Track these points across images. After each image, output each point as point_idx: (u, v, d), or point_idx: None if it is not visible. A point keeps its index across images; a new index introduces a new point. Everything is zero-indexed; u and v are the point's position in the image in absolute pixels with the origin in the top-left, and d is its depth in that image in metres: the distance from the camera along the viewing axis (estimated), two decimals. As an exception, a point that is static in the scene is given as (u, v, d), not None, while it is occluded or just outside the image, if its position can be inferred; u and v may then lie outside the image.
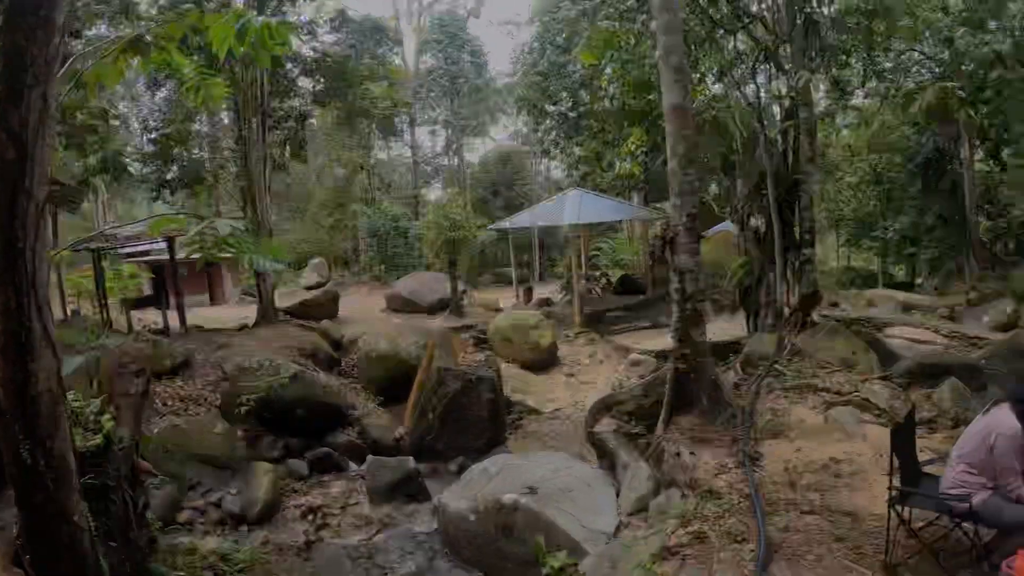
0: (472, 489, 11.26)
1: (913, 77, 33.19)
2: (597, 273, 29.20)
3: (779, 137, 16.21)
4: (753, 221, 16.38)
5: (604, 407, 12.48)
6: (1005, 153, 32.89)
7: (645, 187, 30.71)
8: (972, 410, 10.82)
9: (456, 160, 58.57)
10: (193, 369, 17.18)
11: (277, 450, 15.24)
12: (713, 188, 25.33)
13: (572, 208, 24.57)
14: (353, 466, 15.36)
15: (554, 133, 37.92)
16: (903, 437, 7.25)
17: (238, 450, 14.25)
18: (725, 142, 17.32)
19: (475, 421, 15.94)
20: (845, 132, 39.05)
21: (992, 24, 29.20)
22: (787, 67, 15.91)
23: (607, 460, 11.83)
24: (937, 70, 32.02)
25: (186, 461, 13.03)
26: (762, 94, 17.50)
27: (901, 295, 29.74)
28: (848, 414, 10.97)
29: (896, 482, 7.02)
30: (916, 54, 32.14)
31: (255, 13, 13.01)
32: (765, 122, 16.61)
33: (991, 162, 32.82)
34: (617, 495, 10.62)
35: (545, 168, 53.80)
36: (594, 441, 12.26)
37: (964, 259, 31.23)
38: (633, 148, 22.64)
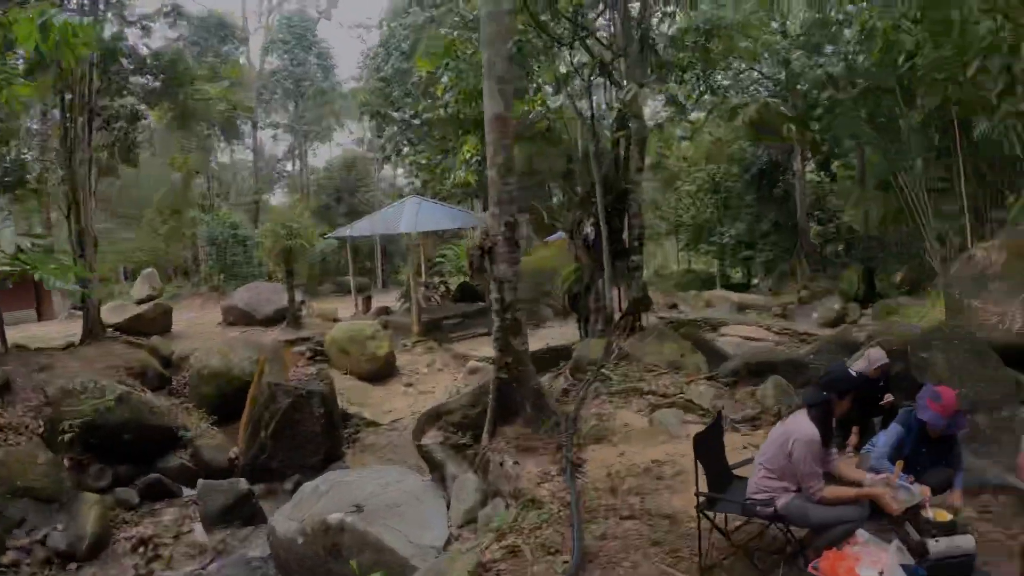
0: (302, 509, 10.67)
1: (751, 94, 34.73)
2: (436, 281, 28.74)
3: (610, 147, 16.28)
4: (584, 228, 16.38)
5: (432, 418, 12.13)
6: (834, 165, 35.34)
7: (484, 195, 30.43)
8: (795, 406, 10.96)
9: (299, 166, 56.21)
10: (14, 394, 15.72)
11: (105, 479, 14.15)
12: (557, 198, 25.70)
13: (409, 216, 24.03)
14: (186, 491, 14.44)
15: (396, 140, 36.84)
16: (708, 443, 7.12)
17: (64, 481, 13.04)
18: (560, 152, 17.38)
19: (309, 437, 15.28)
20: (684, 144, 40.57)
21: (828, 48, 30.92)
22: (622, 81, 15.97)
23: (438, 472, 11.48)
24: (774, 88, 33.95)
25: (8, 496, 11.95)
26: (597, 106, 17.60)
27: (737, 296, 30.74)
28: (672, 416, 10.91)
29: (706, 487, 6.85)
30: (755, 73, 33.36)
31: (59, 10, 12.10)
32: (597, 133, 16.63)
33: (822, 173, 34.96)
34: (448, 507, 10.30)
35: (392, 175, 51.99)
36: (423, 453, 11.90)
37: (797, 261, 32.54)
38: (468, 156, 22.38)
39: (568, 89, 17.57)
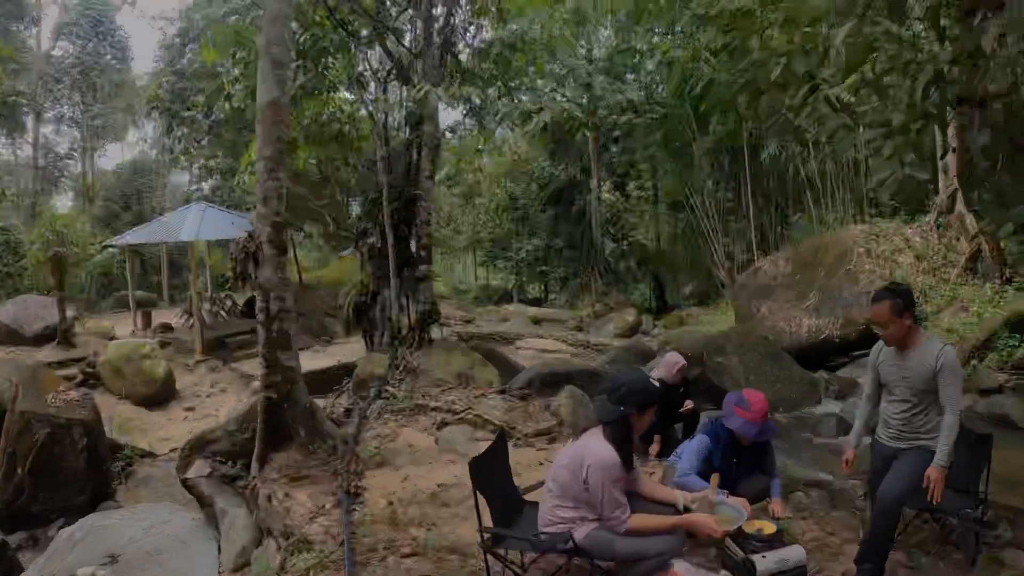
0: (55, 562, 8.71)
1: (553, 117, 34.61)
2: (223, 295, 26.35)
3: (402, 152, 15.07)
4: (370, 237, 14.99)
5: (197, 446, 10.37)
6: (629, 186, 36.32)
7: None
8: (590, 421, 10.16)
9: (85, 165, 47.85)
10: None
11: None
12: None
13: (192, 223, 21.68)
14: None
15: (183, 140, 33.70)
16: (491, 466, 5.91)
17: None
18: (355, 158, 16.04)
19: (72, 473, 12.85)
20: (485, 160, 40.11)
21: (629, 76, 32.43)
22: (416, 82, 14.77)
23: (208, 509, 9.80)
24: (577, 113, 33.81)
25: None
26: (391, 108, 16.31)
27: (533, 310, 30.24)
28: (461, 433, 9.59)
29: (491, 519, 5.62)
30: (558, 95, 33.40)
31: None
32: (388, 136, 15.36)
33: (617, 193, 35.74)
34: (220, 549, 8.73)
35: (190, 180, 45.64)
36: (189, 488, 10.18)
37: (591, 276, 32.44)
38: (253, 159, 19.99)
39: (364, 91, 16.20)
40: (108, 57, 44.93)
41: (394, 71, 15.48)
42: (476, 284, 41.89)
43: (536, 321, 28.20)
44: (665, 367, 9.33)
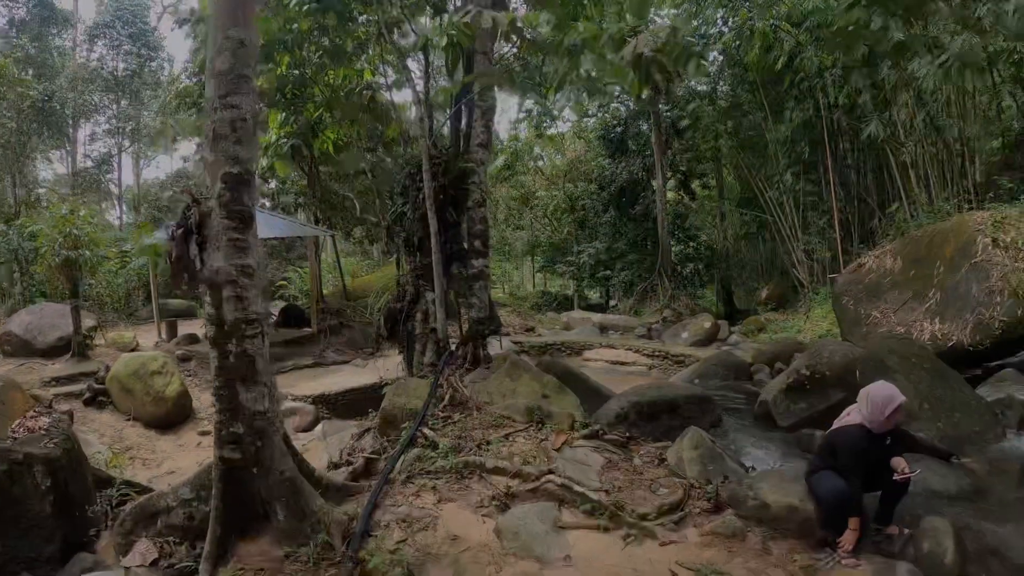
0: None
1: (612, 113, 32.15)
2: None
3: (447, 113, 11.13)
4: (409, 224, 10.90)
5: (139, 519, 6.64)
6: (694, 184, 32.48)
7: (314, 202, 24.00)
8: (730, 474, 6.73)
9: (123, 173, 42.60)
10: None
11: None
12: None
13: None
14: None
15: None
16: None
17: None
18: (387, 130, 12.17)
19: (36, 519, 9.37)
20: (541, 163, 36.48)
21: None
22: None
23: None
24: (632, 106, 30.85)
25: None
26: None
27: (597, 316, 26.22)
28: (537, 517, 5.75)
29: None
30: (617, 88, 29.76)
31: None
32: (431, 99, 11.42)
33: (681, 192, 31.87)
34: None
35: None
36: (128, 581, 6.36)
37: (658, 280, 28.31)
38: (274, 137, 15.87)
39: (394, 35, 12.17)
40: (145, 60, 40.25)
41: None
42: (534, 290, 37.77)
43: (602, 329, 24.21)
44: (873, 406, 5.37)
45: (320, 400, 14.57)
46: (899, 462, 5.66)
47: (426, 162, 9.62)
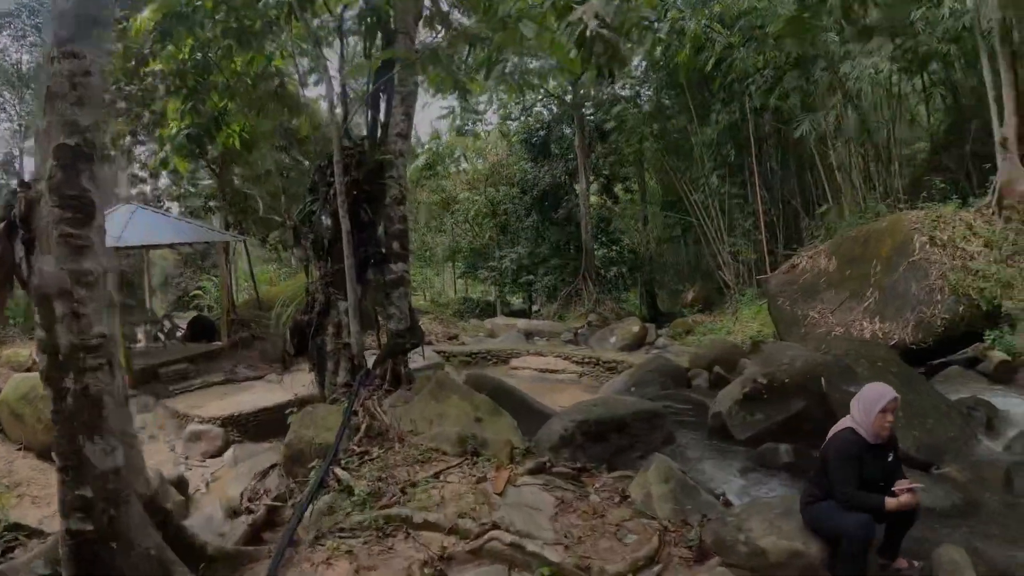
0: None
1: (536, 116, 31.28)
2: (160, 315, 20.27)
3: (365, 103, 9.62)
4: (321, 223, 9.34)
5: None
6: (617, 188, 31.60)
7: (224, 205, 21.38)
8: (708, 510, 5.55)
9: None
10: None
11: None
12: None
13: (114, 228, 15.98)
14: None
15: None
16: None
17: None
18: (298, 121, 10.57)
19: None
20: (465, 167, 35.09)
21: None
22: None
23: None
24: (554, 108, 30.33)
25: None
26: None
27: (522, 322, 24.96)
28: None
29: None
30: (541, 92, 28.67)
31: None
32: (344, 86, 9.90)
33: (604, 196, 30.93)
34: None
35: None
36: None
37: (582, 285, 27.24)
38: (173, 129, 13.01)
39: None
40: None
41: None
42: (456, 297, 36.30)
43: (527, 335, 22.95)
44: (862, 405, 4.32)
45: (231, 421, 12.87)
46: (902, 483, 4.56)
47: (337, 152, 8.05)
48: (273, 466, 7.12)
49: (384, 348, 8.06)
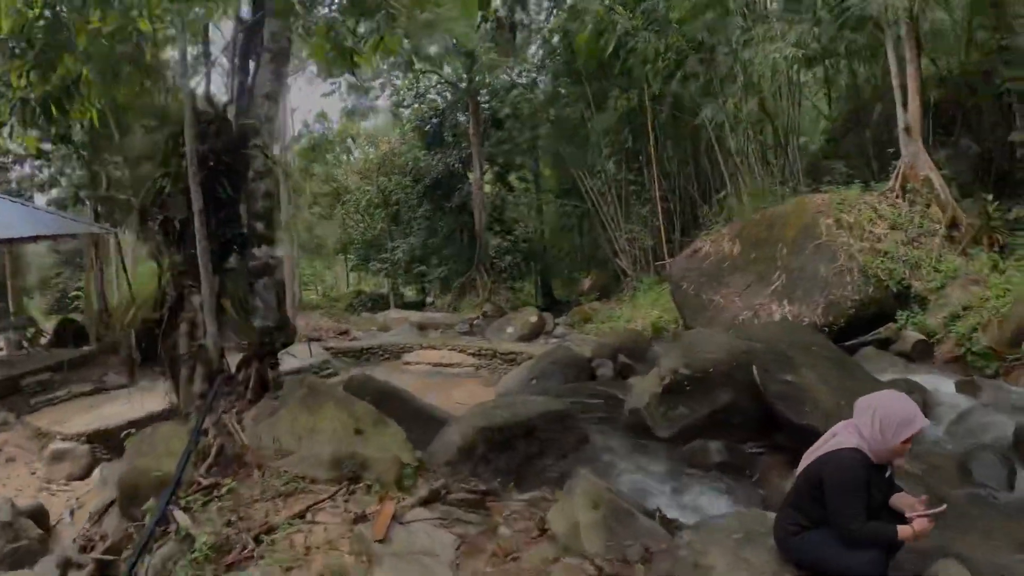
0: None
1: (429, 104, 29.83)
2: (22, 318, 17.64)
3: (227, 56, 7.91)
4: (171, 203, 7.40)
5: None
6: (511, 177, 30.81)
7: (90, 193, 18.38)
8: (650, 539, 4.33)
9: None
10: None
11: None
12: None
13: None
14: None
15: None
16: None
17: None
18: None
19: None
20: (356, 155, 33.24)
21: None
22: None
23: None
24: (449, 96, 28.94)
25: None
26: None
27: (416, 315, 23.54)
28: None
29: None
30: (435, 78, 27.07)
31: None
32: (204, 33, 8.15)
33: (499, 184, 29.94)
34: None
35: None
36: None
37: (476, 275, 25.91)
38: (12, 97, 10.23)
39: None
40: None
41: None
42: (348, 290, 34.44)
43: (421, 327, 21.52)
44: (883, 427, 3.12)
45: (98, 437, 10.95)
46: (905, 499, 3.56)
47: (188, 114, 6.39)
48: (111, 504, 5.50)
49: (247, 350, 6.51)
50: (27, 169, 22.92)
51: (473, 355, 16.08)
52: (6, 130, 9.88)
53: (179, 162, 6.77)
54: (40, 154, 18.06)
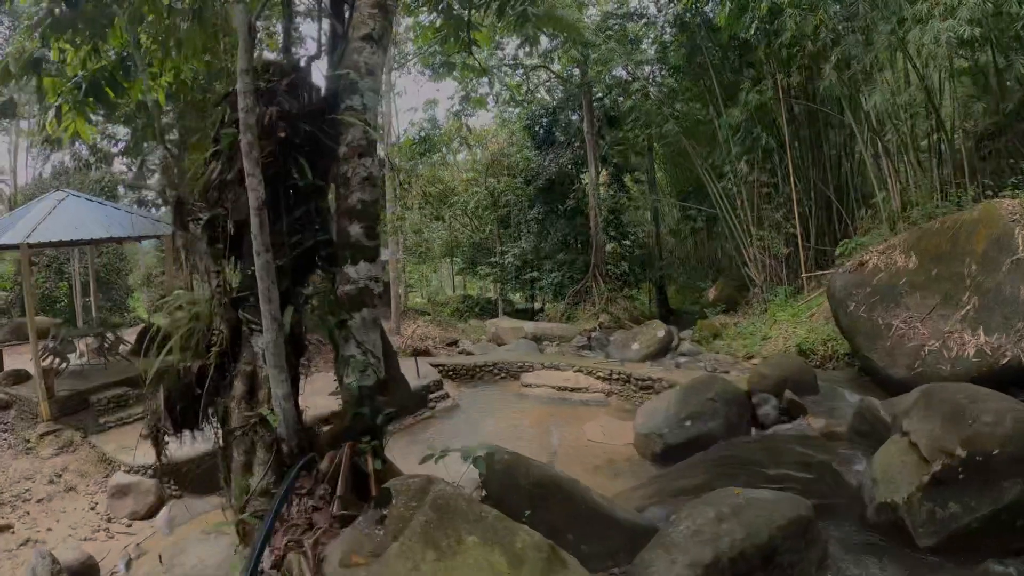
0: None
1: (539, 102, 27.40)
2: (100, 328, 15.13)
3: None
4: (222, 198, 4.43)
5: None
6: (627, 178, 27.66)
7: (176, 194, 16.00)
8: None
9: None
10: None
11: None
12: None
13: (28, 222, 11.71)
14: None
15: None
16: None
17: None
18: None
19: None
20: (464, 156, 31.24)
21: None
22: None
23: None
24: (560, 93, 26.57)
25: None
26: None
27: (529, 325, 21.10)
28: None
29: None
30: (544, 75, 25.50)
31: None
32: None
33: (614, 186, 26.43)
34: None
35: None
36: None
37: (592, 282, 23.41)
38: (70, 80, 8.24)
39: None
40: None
41: None
42: (455, 295, 32.33)
43: (536, 339, 19.19)
44: None
45: (168, 470, 9.13)
46: None
47: (243, 59, 3.91)
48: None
49: (334, 425, 4.07)
50: (115, 167, 21.46)
51: (602, 379, 13.66)
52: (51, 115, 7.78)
53: (234, 137, 4.34)
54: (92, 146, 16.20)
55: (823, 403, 10.84)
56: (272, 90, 4.12)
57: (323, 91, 4.45)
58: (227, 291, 4.12)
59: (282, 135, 3.99)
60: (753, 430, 10.29)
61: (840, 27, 14.79)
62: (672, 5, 20.76)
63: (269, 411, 3.71)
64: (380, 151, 12.53)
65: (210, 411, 4.06)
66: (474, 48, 9.36)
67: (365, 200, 4.24)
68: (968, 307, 10.64)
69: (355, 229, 4.21)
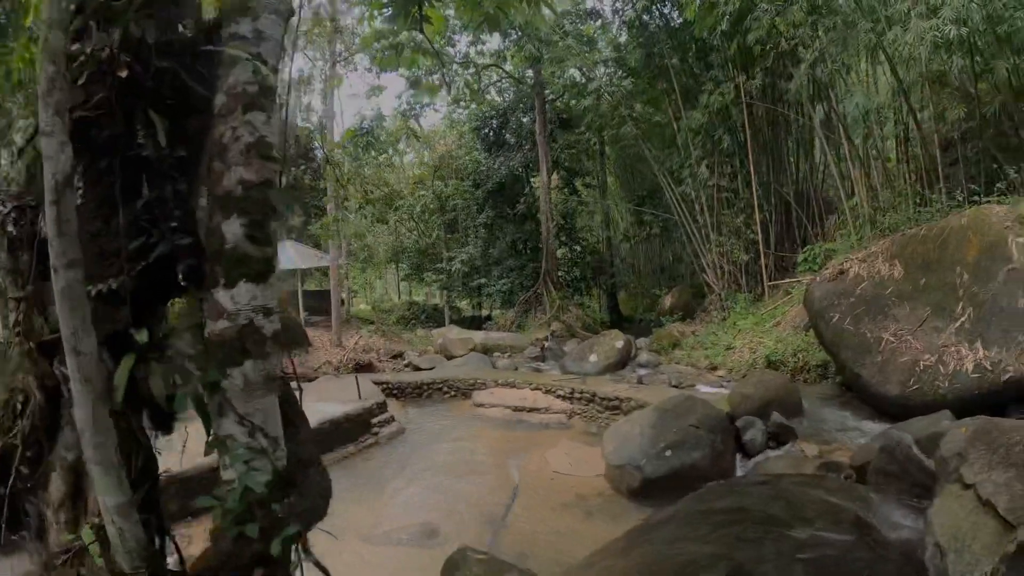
0: None
1: (490, 103, 25.79)
2: None
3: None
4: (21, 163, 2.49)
5: None
6: (579, 182, 26.40)
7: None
8: None
9: None
10: None
11: None
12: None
13: None
14: None
15: None
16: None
17: None
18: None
19: None
20: (411, 158, 29.56)
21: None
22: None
23: None
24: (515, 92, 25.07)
25: None
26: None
27: (479, 335, 19.48)
28: None
29: None
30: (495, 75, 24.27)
31: None
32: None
33: (566, 190, 25.37)
34: None
35: None
36: None
37: (543, 288, 21.90)
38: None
39: None
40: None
41: None
42: (399, 302, 30.50)
43: (486, 350, 17.62)
44: None
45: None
46: None
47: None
48: None
49: (208, 549, 2.15)
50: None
51: (563, 398, 12.13)
52: None
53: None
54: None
55: (810, 425, 9.60)
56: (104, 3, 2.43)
57: (201, 12, 2.75)
58: (34, 331, 2.38)
59: (124, 74, 2.28)
60: (739, 457, 8.97)
61: (816, 23, 13.67)
62: (629, 6, 19.50)
63: (92, 530, 2.10)
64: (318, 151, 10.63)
65: (26, 520, 2.36)
66: (427, 31, 7.80)
67: (250, 180, 2.35)
68: (963, 319, 9.55)
69: (232, 228, 2.24)
